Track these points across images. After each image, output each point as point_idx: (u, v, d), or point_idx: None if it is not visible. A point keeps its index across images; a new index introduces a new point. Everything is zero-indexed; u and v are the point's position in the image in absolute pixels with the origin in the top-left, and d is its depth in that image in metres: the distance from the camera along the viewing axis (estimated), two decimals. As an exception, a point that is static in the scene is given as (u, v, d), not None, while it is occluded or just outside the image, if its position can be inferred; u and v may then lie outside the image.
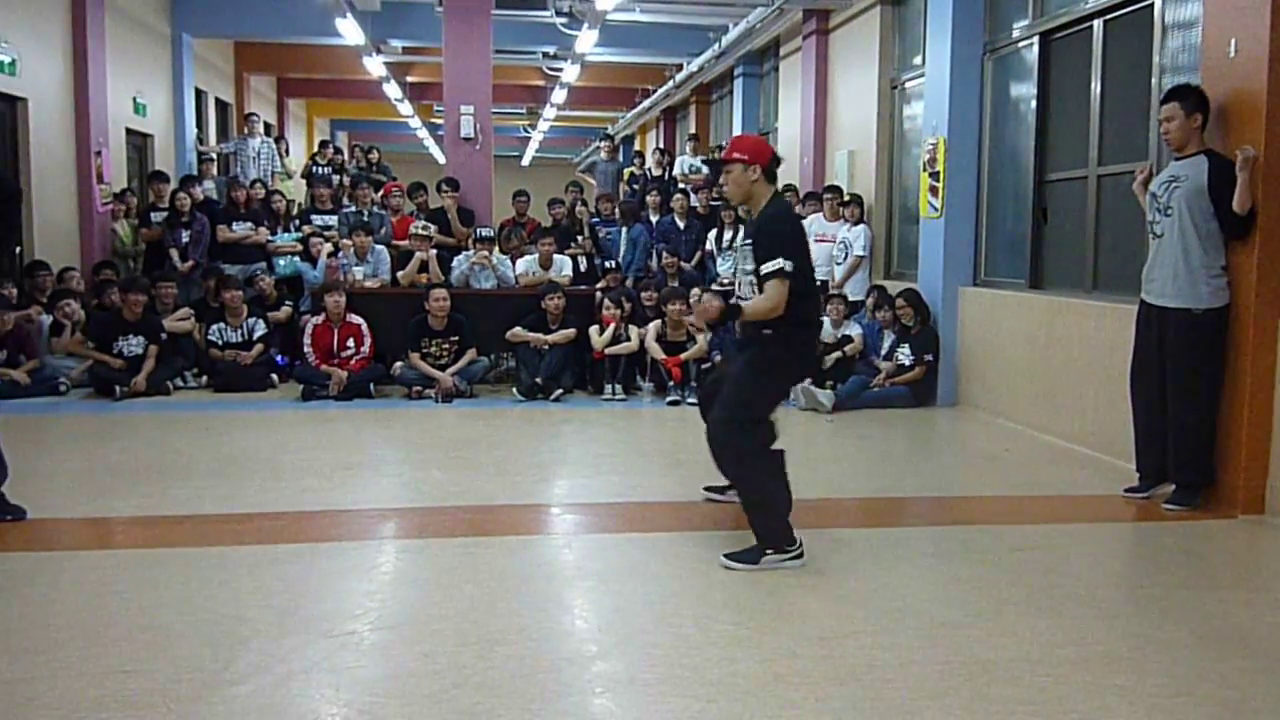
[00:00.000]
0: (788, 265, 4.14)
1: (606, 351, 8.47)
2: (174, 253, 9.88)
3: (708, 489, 5.15)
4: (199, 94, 14.59)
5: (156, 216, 10.24)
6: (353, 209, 10.38)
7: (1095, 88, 6.70)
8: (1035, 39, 7.38)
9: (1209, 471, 5.07)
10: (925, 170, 8.26)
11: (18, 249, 9.32)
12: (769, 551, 4.16)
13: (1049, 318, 6.83)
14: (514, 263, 9.60)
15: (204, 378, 8.68)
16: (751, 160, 4.34)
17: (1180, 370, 5.04)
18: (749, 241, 4.37)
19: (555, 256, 9.46)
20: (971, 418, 7.60)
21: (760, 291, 4.23)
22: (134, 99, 12.06)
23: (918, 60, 9.26)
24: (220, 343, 8.75)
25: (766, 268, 4.18)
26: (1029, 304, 7.15)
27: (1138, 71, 6.28)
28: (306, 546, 4.39)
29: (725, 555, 4.19)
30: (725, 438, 4.31)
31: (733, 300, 4.50)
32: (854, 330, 8.45)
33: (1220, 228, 4.94)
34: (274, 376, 8.73)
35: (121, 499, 5.14)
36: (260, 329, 8.90)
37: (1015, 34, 7.68)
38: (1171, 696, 3.03)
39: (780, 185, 11.71)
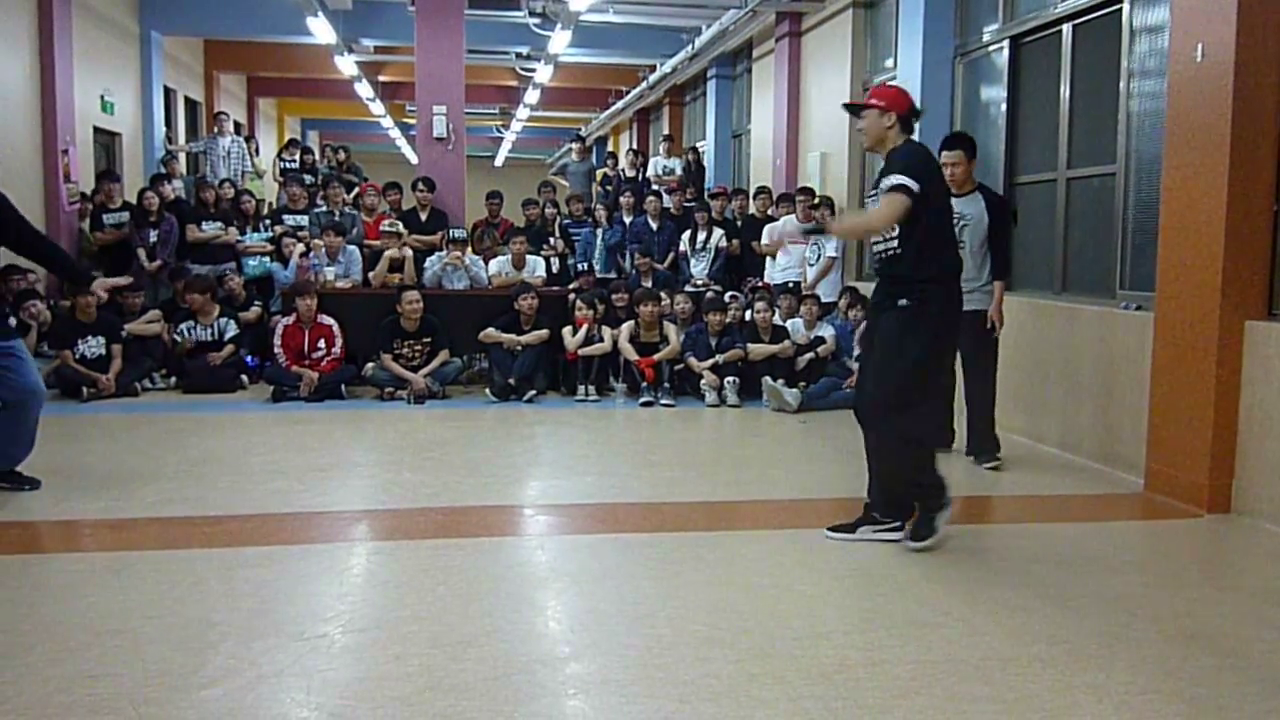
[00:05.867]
0: (912, 184, 4.17)
1: (579, 352, 8.46)
2: (141, 252, 9.75)
3: (831, 529, 4.66)
4: (168, 92, 14.44)
5: (109, 218, 9.98)
6: (324, 209, 10.32)
7: (1064, 91, 6.77)
8: (1005, 42, 7.44)
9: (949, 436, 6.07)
10: (897, 172, 8.30)
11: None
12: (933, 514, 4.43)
13: (1019, 319, 6.87)
14: (487, 263, 9.57)
15: (172, 379, 8.61)
16: (888, 107, 4.40)
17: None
18: (879, 189, 4.38)
19: (528, 257, 9.44)
20: (942, 418, 7.64)
21: (899, 228, 4.27)
22: (102, 97, 11.92)
23: (889, 63, 9.32)
24: (190, 341, 8.69)
25: (886, 183, 4.20)
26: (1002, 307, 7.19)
27: (1107, 75, 6.35)
28: (277, 549, 4.36)
29: (909, 539, 4.44)
30: (881, 426, 4.37)
31: (875, 250, 4.50)
32: (827, 331, 8.48)
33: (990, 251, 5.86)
34: (244, 378, 8.66)
35: (89, 501, 5.07)
36: (232, 329, 8.83)
37: (986, 38, 7.74)
38: (1139, 694, 3.06)
39: (753, 188, 11.79)
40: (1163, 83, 5.57)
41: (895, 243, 4.37)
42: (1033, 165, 7.21)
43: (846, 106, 4.88)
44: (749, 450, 6.99)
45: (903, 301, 4.31)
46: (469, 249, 9.76)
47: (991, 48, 7.68)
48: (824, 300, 8.91)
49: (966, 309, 5.66)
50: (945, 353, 4.59)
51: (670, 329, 8.55)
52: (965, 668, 3.21)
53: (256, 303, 9.43)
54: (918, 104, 4.53)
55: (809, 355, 8.34)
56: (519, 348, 8.42)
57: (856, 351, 8.24)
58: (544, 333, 8.49)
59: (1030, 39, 7.24)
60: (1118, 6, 6.22)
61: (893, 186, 4.19)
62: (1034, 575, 4.17)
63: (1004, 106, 7.49)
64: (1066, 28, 6.76)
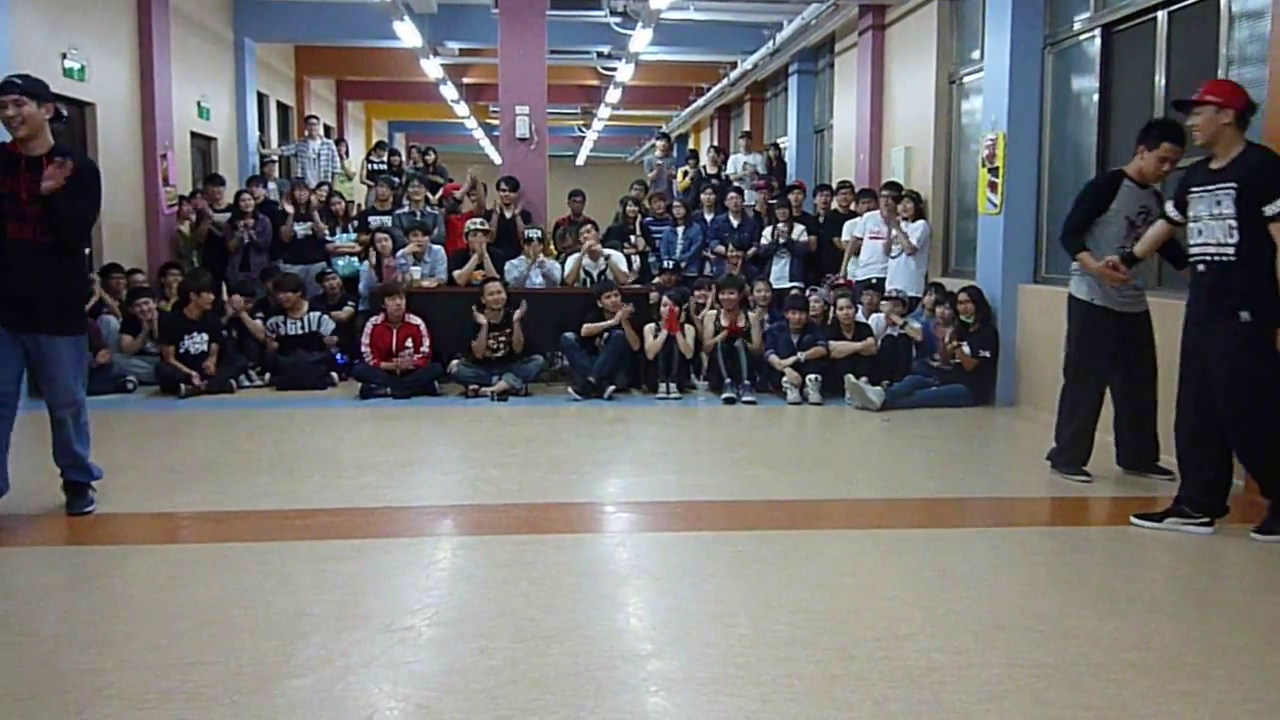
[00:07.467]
0: None
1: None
2: (231, 244, 10.04)
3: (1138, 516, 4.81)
4: (261, 97, 14.83)
5: (215, 219, 10.39)
6: (406, 209, 10.49)
7: (1159, 80, 6.57)
8: (1097, 31, 7.25)
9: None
10: (984, 166, 8.15)
11: (87, 250, 9.55)
12: None
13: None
14: (563, 263, 9.64)
15: (267, 375, 8.86)
16: (1225, 104, 4.39)
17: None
18: (1228, 186, 4.39)
19: (610, 251, 9.48)
20: (1030, 417, 7.48)
21: (1241, 234, 4.32)
22: (198, 103, 12.30)
23: (976, 55, 9.15)
24: (278, 334, 8.97)
25: (1273, 208, 4.22)
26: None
27: (1204, 63, 6.14)
28: (365, 542, 4.45)
29: (1256, 530, 4.55)
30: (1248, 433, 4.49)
31: (1200, 253, 4.53)
32: (914, 324, 8.38)
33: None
34: (334, 375, 8.87)
35: (186, 494, 5.25)
36: (328, 325, 9.10)
37: (1076, 26, 7.55)
38: (1239, 703, 2.96)
39: (835, 182, 11.63)
40: (1264, 70, 5.36)
41: (1232, 250, 4.38)
42: (1126, 157, 6.97)
43: (1177, 104, 4.79)
44: (831, 449, 6.93)
45: (1244, 315, 4.35)
46: (549, 246, 9.86)
47: (1083, 37, 7.49)
48: (909, 295, 8.80)
49: (1140, 310, 5.58)
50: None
51: (752, 317, 8.55)
52: (1054, 673, 3.14)
53: (349, 303, 9.64)
54: (1253, 101, 4.51)
55: (894, 333, 8.31)
56: (605, 336, 8.43)
57: (950, 344, 8.05)
58: (634, 336, 8.47)
59: (1123, 27, 7.04)
60: (1216, -8, 6.02)
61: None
62: (1127, 578, 4.06)
63: (1096, 97, 7.30)
64: (1161, 15, 6.56)
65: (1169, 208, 4.92)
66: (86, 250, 9.21)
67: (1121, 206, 5.41)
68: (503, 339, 8.49)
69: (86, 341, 5.01)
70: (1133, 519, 4.75)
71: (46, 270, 4.54)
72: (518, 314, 8.41)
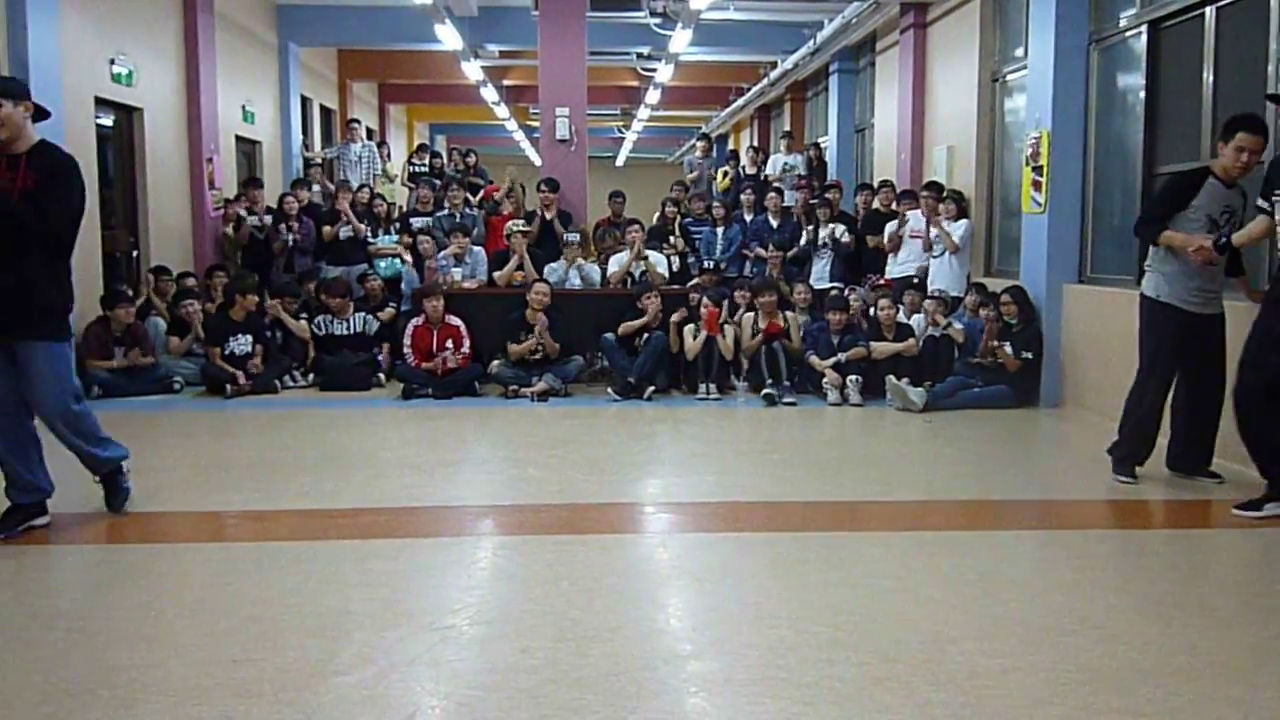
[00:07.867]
0: None
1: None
2: (276, 246, 10.17)
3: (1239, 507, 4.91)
4: (304, 101, 15.00)
5: (253, 221, 10.51)
6: (445, 211, 10.56)
7: (1208, 77, 6.46)
8: (1143, 28, 7.15)
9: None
10: (1028, 165, 8.06)
11: (135, 252, 9.72)
12: None
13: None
14: (604, 264, 9.64)
15: (310, 376, 8.95)
16: None
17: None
18: None
19: (650, 252, 9.48)
20: (1076, 418, 7.40)
21: None
22: (243, 107, 12.46)
23: (1019, 52, 9.06)
24: (325, 334, 9.05)
25: None
26: (1137, 301, 6.90)
27: (1253, 60, 6.04)
28: (407, 542, 4.49)
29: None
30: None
31: None
32: (956, 325, 8.30)
33: None
34: (380, 375, 8.95)
35: (232, 493, 5.31)
36: (374, 325, 9.20)
37: (1122, 23, 7.45)
38: (1291, 710, 2.91)
39: (877, 181, 11.60)
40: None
41: None
42: (1174, 154, 6.90)
43: (1271, 96, 4.77)
44: (872, 450, 6.89)
45: None
46: (585, 249, 9.87)
47: (1129, 33, 7.39)
48: (952, 295, 8.73)
49: (1212, 312, 5.44)
50: None
51: (791, 318, 8.51)
52: (1100, 678, 3.10)
53: (391, 304, 9.72)
54: None
55: (936, 333, 8.23)
56: (644, 337, 8.42)
57: (991, 344, 7.96)
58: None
59: (1170, 23, 6.94)
60: (1266, -14, 5.91)
61: None
62: (1175, 583, 4.00)
63: (1142, 94, 7.20)
64: (1209, 10, 6.46)
65: (1259, 200, 4.79)
66: (136, 254, 9.51)
67: (1204, 204, 5.21)
68: (541, 341, 8.51)
69: (71, 348, 4.75)
70: (1234, 510, 4.82)
71: (24, 272, 4.39)
72: (539, 327, 8.39)
